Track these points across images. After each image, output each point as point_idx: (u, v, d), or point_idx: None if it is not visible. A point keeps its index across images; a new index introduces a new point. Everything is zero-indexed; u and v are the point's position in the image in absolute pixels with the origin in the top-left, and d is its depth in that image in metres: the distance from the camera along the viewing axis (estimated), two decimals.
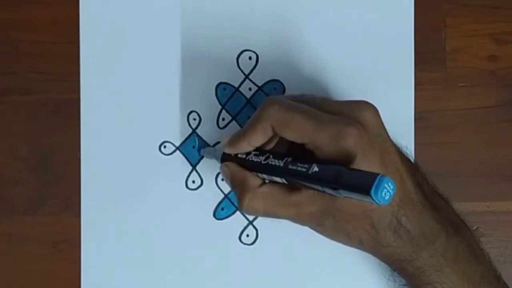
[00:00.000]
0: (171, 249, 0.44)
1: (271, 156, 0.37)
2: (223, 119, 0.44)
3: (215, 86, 0.44)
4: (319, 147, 0.35)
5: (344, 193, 0.32)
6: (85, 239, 0.44)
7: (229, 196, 0.44)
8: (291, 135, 0.36)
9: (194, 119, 0.44)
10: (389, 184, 0.30)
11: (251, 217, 0.44)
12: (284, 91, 0.44)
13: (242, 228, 0.44)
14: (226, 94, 0.44)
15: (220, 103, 0.44)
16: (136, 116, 0.44)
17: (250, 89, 0.44)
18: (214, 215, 0.44)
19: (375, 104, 0.37)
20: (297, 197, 0.36)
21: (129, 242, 0.44)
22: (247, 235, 0.44)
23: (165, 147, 0.44)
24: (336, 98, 0.43)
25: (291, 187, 0.36)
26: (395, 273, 0.39)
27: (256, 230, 0.44)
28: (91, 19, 0.44)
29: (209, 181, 0.44)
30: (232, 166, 0.39)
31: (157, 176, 0.44)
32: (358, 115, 0.36)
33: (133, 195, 0.44)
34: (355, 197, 0.32)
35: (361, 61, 0.44)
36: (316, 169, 0.33)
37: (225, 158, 0.40)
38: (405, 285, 0.39)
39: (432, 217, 0.37)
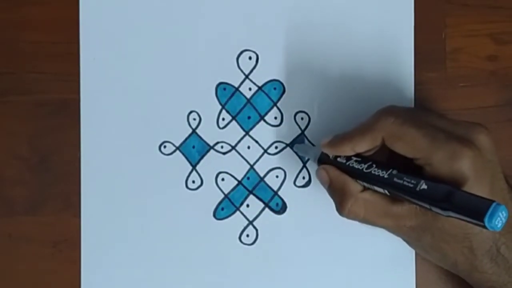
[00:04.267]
0: (171, 249, 0.44)
1: (374, 165, 0.36)
2: (223, 119, 0.44)
3: (215, 86, 0.44)
4: (431, 164, 0.34)
5: (452, 214, 0.32)
6: (85, 239, 0.44)
7: (229, 196, 0.44)
8: (403, 149, 0.35)
9: (194, 119, 0.44)
10: (503, 212, 0.30)
11: (251, 217, 0.44)
12: (284, 91, 0.44)
13: (242, 228, 0.44)
14: (226, 94, 0.44)
15: (220, 103, 0.44)
16: (136, 116, 0.44)
17: (250, 89, 0.44)
18: (214, 215, 0.44)
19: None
20: (399, 209, 0.36)
21: (129, 242, 0.44)
22: (247, 235, 0.44)
23: (165, 147, 0.44)
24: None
25: (393, 197, 0.36)
26: None
27: (256, 230, 0.44)
28: (91, 19, 0.44)
29: (209, 181, 0.44)
30: (332, 170, 0.38)
31: (157, 176, 0.44)
32: (473, 137, 0.35)
33: (133, 195, 0.44)
34: (463, 219, 0.31)
35: (361, 61, 0.44)
36: (424, 186, 0.33)
37: (322, 160, 0.39)
38: None
39: None
